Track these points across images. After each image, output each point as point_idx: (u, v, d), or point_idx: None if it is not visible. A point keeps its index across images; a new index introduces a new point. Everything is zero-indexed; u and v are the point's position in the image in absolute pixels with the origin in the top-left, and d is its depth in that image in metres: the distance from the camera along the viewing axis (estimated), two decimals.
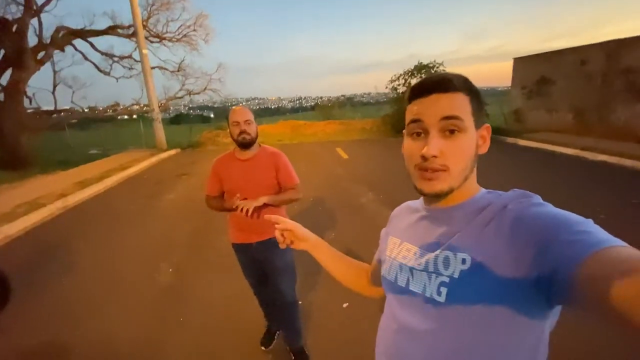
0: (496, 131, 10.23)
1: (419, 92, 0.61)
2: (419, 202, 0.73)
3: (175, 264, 3.32)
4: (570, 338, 1.85)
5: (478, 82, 0.65)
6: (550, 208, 0.53)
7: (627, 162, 5.95)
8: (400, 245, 0.70)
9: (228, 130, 1.75)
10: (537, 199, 0.57)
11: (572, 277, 0.42)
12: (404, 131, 0.65)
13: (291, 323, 1.97)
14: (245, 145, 1.72)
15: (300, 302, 2.01)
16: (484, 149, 0.63)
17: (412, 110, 0.61)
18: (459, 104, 0.58)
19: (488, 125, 0.63)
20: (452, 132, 0.57)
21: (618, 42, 7.85)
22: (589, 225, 0.47)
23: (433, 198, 0.64)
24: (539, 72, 10.32)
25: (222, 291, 2.79)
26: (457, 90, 0.58)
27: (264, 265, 1.87)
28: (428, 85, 0.60)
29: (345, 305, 2.49)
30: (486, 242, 0.54)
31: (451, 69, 12.16)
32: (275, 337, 2.17)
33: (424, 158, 0.58)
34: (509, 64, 11.92)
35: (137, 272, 3.22)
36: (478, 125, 0.61)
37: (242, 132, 1.68)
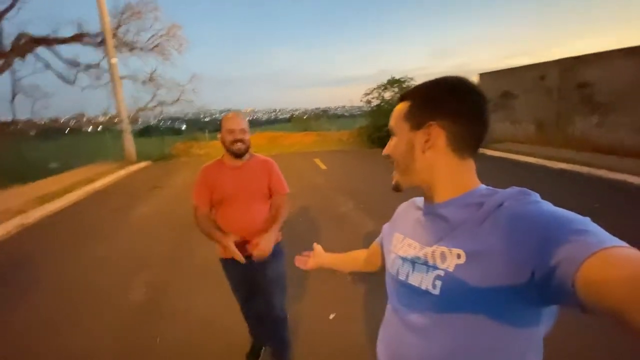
0: None
1: None
2: (421, 200, 0.74)
3: (150, 280, 3.13)
4: (564, 338, 1.90)
5: None
6: (547, 206, 0.53)
7: (584, 170, 6.39)
8: (403, 241, 0.72)
9: (219, 136, 1.69)
10: (535, 196, 0.56)
11: (571, 278, 0.42)
12: None
13: (280, 337, 1.90)
14: (239, 154, 1.66)
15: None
16: (430, 147, 0.63)
17: None
18: (397, 112, 0.69)
19: (432, 123, 0.62)
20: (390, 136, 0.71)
21: (573, 60, 8.50)
22: (588, 224, 0.47)
23: (422, 194, 0.72)
24: (502, 86, 10.96)
25: (202, 307, 2.64)
26: (402, 100, 0.69)
27: (256, 278, 1.79)
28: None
29: (331, 316, 2.44)
30: (482, 238, 0.54)
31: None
32: (261, 352, 2.08)
33: None
34: (474, 80, 12.60)
35: (110, 289, 3.01)
36: (418, 127, 0.65)
37: (237, 140, 1.63)
